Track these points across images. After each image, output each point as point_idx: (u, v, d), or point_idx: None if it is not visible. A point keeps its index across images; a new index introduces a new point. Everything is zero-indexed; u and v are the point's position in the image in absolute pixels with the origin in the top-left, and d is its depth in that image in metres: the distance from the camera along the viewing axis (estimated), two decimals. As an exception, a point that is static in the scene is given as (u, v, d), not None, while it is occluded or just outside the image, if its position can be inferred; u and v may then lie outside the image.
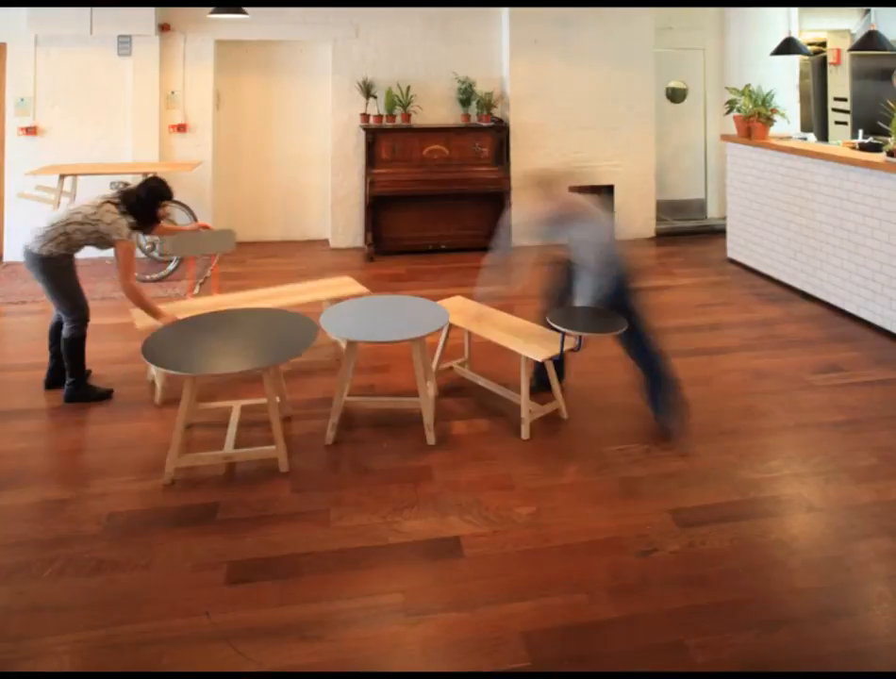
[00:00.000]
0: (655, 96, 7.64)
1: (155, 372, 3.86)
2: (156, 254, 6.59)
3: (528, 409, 3.51)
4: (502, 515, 2.92)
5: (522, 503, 3.01)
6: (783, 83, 7.54)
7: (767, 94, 6.31)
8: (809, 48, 7.39)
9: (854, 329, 4.95)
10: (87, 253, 6.61)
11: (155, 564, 2.64)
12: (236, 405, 3.61)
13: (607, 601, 2.48)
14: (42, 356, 4.14)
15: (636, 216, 7.62)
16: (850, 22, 8.04)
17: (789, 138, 6.17)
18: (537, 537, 2.80)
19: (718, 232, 7.27)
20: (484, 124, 7.12)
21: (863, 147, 5.46)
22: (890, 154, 4.82)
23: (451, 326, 3.83)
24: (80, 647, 2.27)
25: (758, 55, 7.50)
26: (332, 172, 7.19)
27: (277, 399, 3.42)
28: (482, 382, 3.90)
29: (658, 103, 7.75)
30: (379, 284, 5.86)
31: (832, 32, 8.20)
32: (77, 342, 3.86)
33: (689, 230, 7.81)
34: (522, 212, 4.07)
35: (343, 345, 4.24)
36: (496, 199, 6.73)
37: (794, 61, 7.65)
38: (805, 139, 6.40)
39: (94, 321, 5.06)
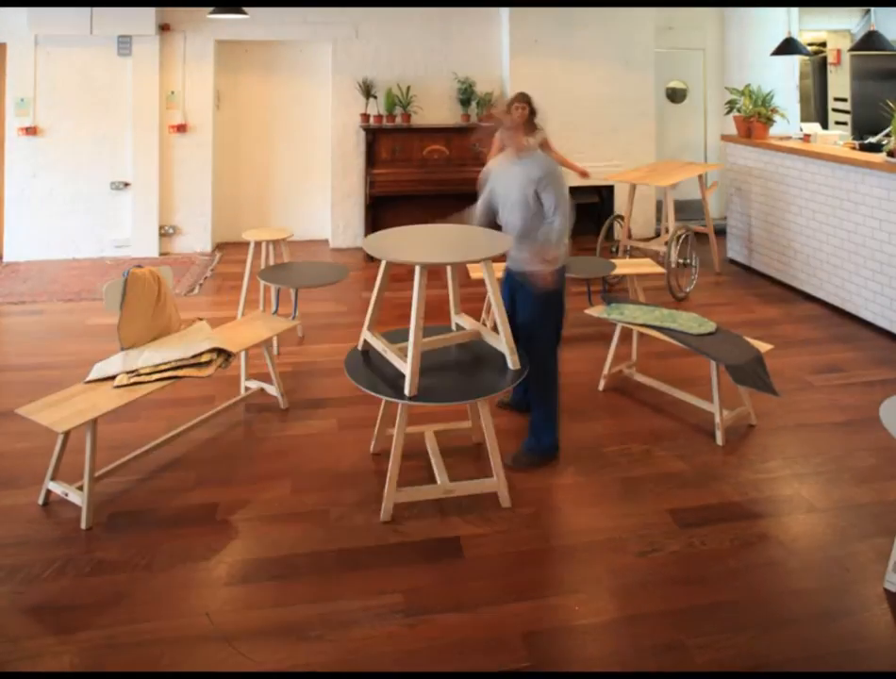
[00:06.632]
0: (656, 96, 7.64)
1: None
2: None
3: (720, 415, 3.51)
4: (502, 515, 2.92)
5: (522, 503, 3.00)
6: (783, 83, 7.53)
7: (767, 94, 6.31)
8: (809, 48, 7.39)
9: (854, 329, 4.95)
10: (86, 252, 6.67)
11: (155, 564, 2.64)
12: (428, 431, 3.40)
13: (607, 601, 2.48)
14: (42, 356, 4.13)
15: (636, 216, 7.61)
16: (850, 22, 8.03)
17: (789, 138, 6.18)
18: (537, 537, 2.80)
19: (718, 232, 7.27)
20: (484, 124, 7.12)
21: (863, 147, 5.46)
22: (890, 154, 4.83)
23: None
24: (80, 647, 2.27)
25: (758, 55, 7.49)
26: (332, 172, 7.19)
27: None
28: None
29: (658, 103, 7.75)
30: (379, 284, 5.85)
31: (832, 32, 8.19)
32: None
33: (689, 230, 7.79)
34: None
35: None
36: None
37: (794, 61, 7.64)
38: (802, 130, 6.39)
39: (93, 320, 5.09)
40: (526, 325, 3.29)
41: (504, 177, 3.36)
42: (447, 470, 3.09)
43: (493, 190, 3.42)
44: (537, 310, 3.28)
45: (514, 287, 3.41)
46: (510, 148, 3.35)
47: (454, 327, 3.42)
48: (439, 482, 3.02)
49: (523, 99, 4.38)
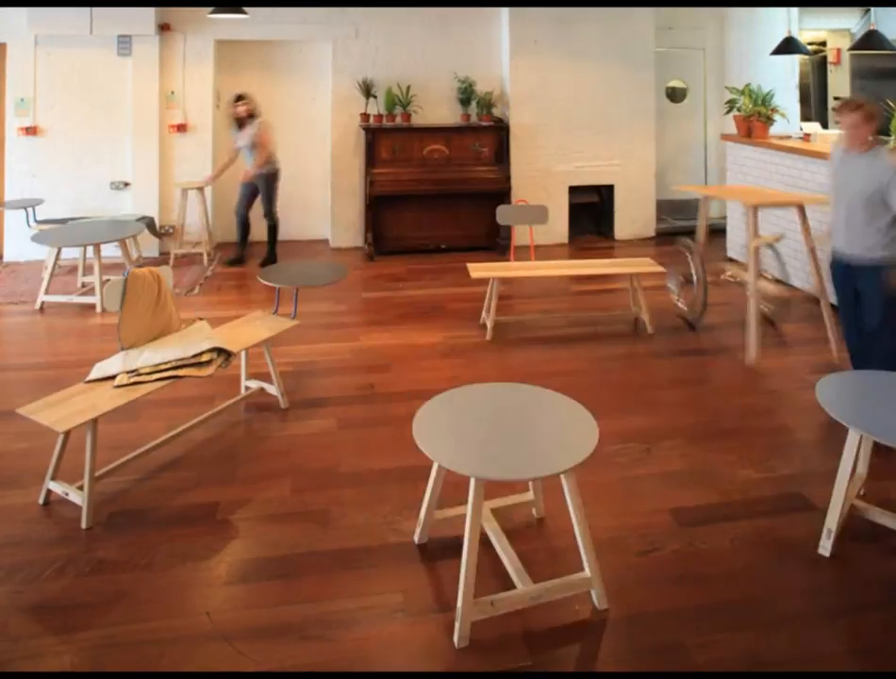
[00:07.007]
0: (656, 96, 7.64)
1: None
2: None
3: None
4: (502, 515, 2.92)
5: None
6: (783, 83, 7.54)
7: (767, 94, 6.31)
8: (809, 48, 7.39)
9: (855, 329, 4.93)
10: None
11: (155, 564, 2.64)
12: (485, 510, 2.73)
13: (608, 601, 2.48)
14: (42, 356, 4.14)
15: (636, 216, 7.62)
16: (850, 21, 8.03)
17: (789, 137, 6.17)
18: (537, 536, 2.80)
19: (718, 232, 7.26)
20: (484, 124, 7.12)
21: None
22: (890, 153, 4.82)
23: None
24: (80, 647, 2.27)
25: (758, 54, 7.49)
26: (332, 172, 7.19)
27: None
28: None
29: (658, 103, 7.75)
30: (379, 283, 5.87)
31: (832, 32, 8.19)
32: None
33: (690, 230, 7.78)
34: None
35: None
36: (496, 199, 6.72)
37: (794, 61, 7.64)
38: (802, 129, 6.38)
39: (93, 320, 5.09)
40: (876, 325, 3.47)
41: (844, 170, 3.53)
42: (519, 561, 2.51)
43: (833, 180, 3.62)
44: (888, 310, 3.43)
45: (854, 280, 3.54)
46: (853, 142, 3.46)
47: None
48: (519, 586, 2.40)
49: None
